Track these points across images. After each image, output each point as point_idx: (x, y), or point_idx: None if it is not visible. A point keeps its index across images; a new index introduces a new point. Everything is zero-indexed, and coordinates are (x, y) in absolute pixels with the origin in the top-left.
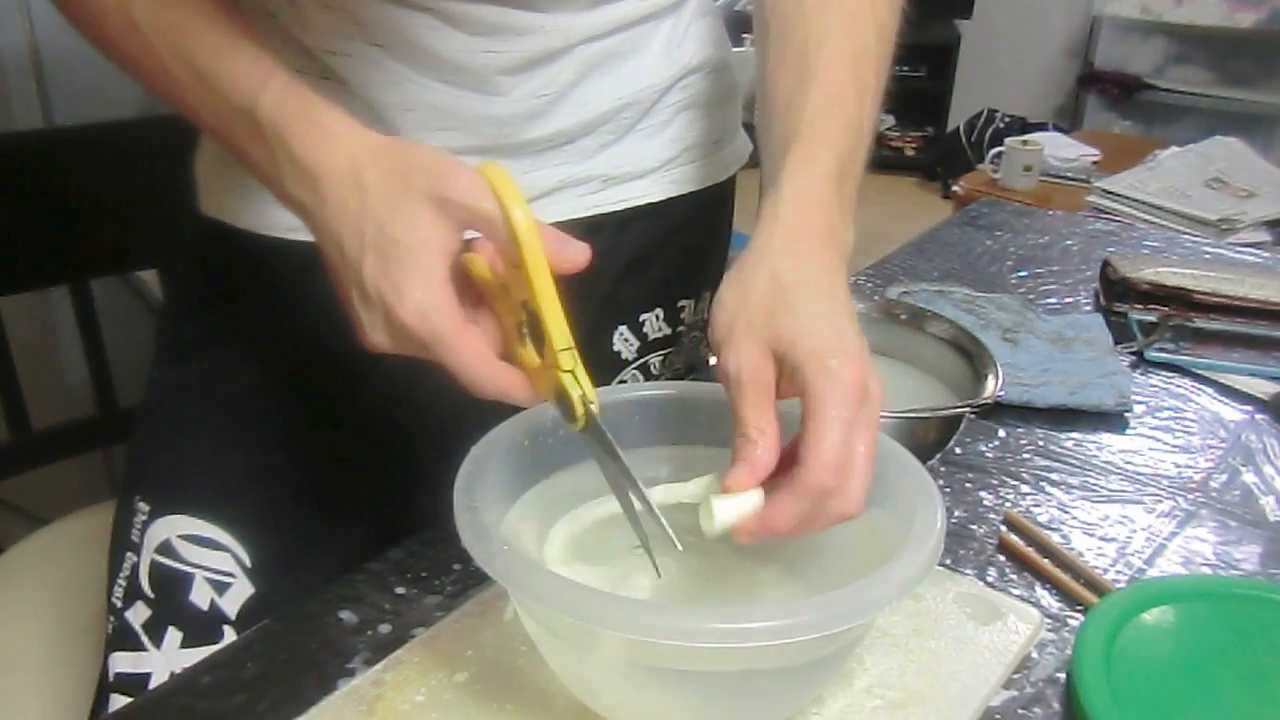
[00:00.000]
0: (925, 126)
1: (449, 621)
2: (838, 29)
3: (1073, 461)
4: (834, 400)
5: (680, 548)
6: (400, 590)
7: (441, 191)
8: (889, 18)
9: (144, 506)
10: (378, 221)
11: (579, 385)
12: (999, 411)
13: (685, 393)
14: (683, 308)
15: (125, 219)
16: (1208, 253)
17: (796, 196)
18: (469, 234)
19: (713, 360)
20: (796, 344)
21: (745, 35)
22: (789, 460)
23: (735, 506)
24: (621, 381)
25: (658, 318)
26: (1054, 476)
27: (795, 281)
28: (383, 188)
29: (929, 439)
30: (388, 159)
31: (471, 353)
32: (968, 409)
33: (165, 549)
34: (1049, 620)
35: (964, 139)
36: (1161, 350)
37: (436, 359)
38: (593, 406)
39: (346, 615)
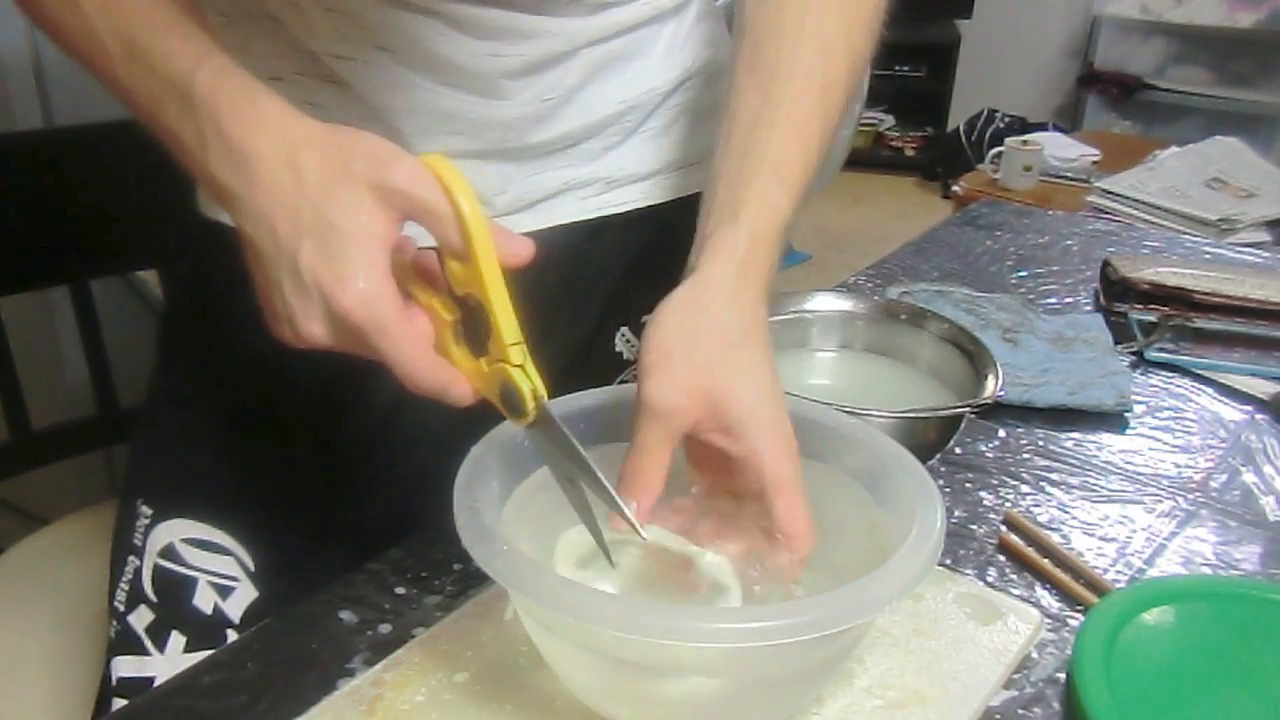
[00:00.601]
0: (925, 126)
1: (449, 621)
2: (809, 57)
3: (1073, 461)
4: (793, 471)
5: (645, 538)
6: (400, 590)
7: (383, 179)
8: (864, 45)
9: (146, 510)
10: (315, 207)
11: (529, 379)
12: (999, 411)
13: None
14: None
15: (125, 219)
16: (1208, 253)
17: (753, 237)
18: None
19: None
20: (741, 401)
21: None
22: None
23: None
24: (623, 382)
25: None
26: (1054, 476)
27: (743, 333)
28: (321, 172)
29: (929, 439)
30: (327, 144)
31: (413, 344)
32: (968, 409)
33: (168, 553)
34: (1049, 620)
35: (964, 139)
36: (1161, 350)
37: (374, 351)
38: (543, 400)
39: (346, 615)
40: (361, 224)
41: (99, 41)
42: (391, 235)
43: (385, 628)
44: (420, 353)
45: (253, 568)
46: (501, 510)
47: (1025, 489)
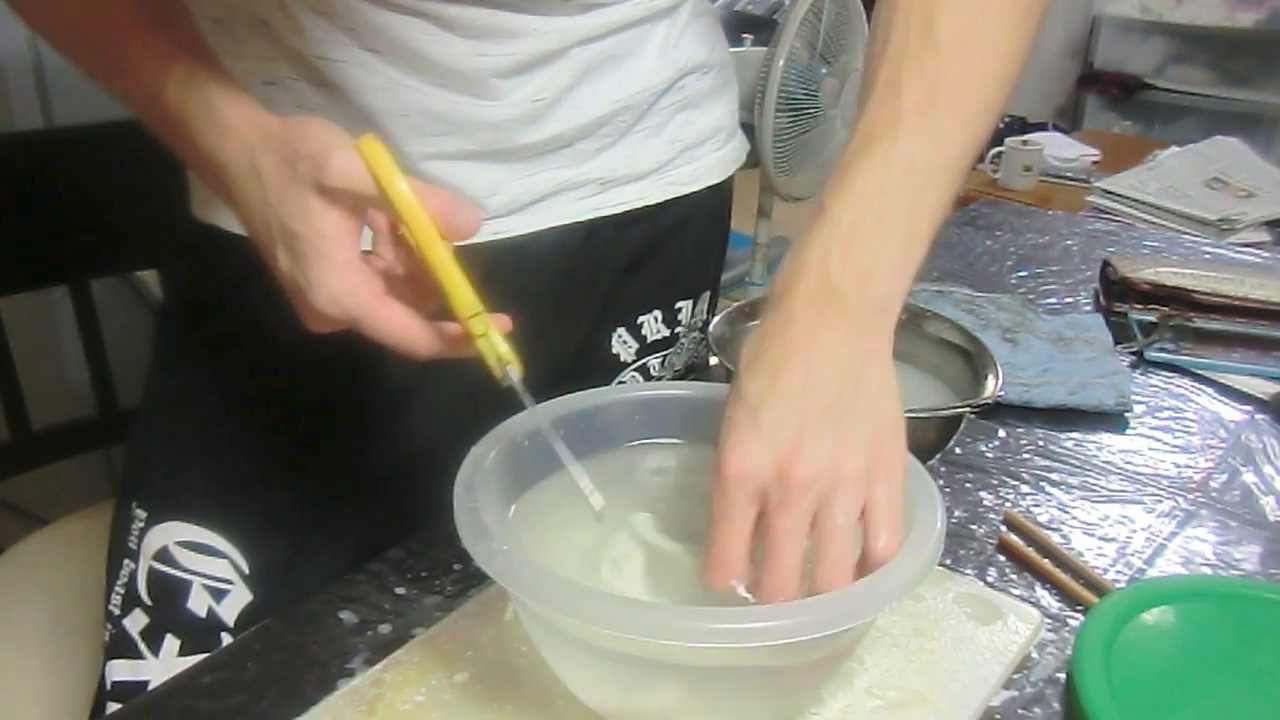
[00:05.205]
0: None
1: (449, 621)
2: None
3: (1073, 461)
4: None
5: (598, 507)
6: (400, 590)
7: (321, 179)
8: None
9: (141, 513)
10: (277, 215)
11: (494, 349)
12: (999, 411)
13: (686, 392)
14: (680, 309)
15: (125, 219)
16: (1208, 253)
17: (855, 221)
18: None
19: (714, 360)
20: (819, 473)
21: (745, 35)
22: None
23: None
24: (621, 383)
25: (656, 319)
26: (1054, 476)
27: (837, 393)
28: (275, 179)
29: (929, 439)
30: (277, 144)
31: (396, 324)
32: (968, 409)
33: (163, 556)
34: (1049, 620)
35: None
36: (1161, 350)
37: (367, 334)
38: (510, 368)
39: (346, 615)
40: (318, 229)
41: (90, 55)
42: (351, 227)
43: (385, 628)
44: (406, 330)
45: (247, 571)
46: (508, 512)
47: (1025, 489)
